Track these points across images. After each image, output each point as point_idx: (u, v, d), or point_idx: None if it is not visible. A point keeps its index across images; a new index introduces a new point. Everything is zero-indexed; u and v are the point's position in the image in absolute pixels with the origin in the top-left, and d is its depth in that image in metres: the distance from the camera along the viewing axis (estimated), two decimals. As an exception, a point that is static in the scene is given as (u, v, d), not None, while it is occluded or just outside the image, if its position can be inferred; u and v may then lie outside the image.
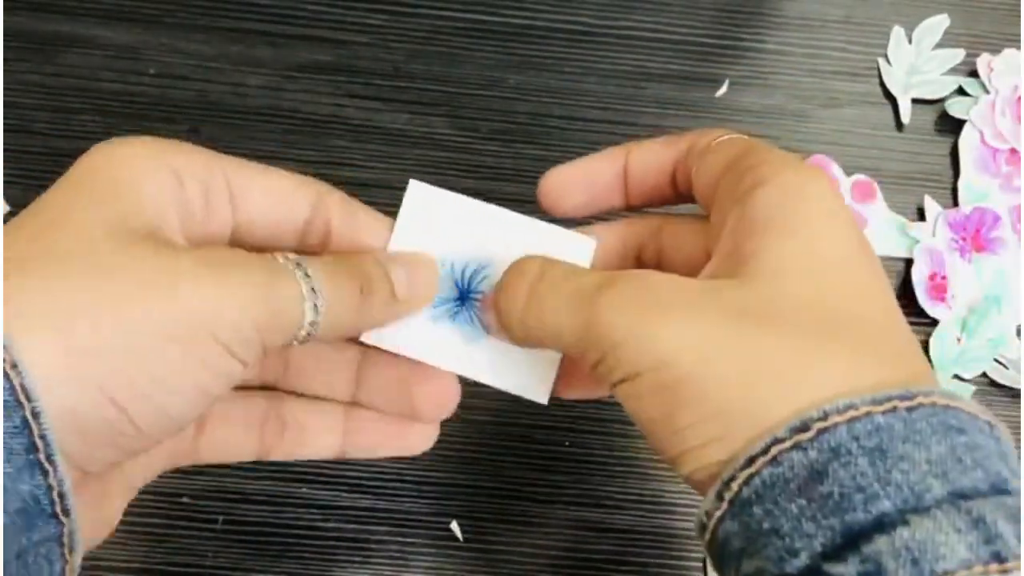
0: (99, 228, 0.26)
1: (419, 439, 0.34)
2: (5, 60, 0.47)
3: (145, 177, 0.28)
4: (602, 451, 0.44)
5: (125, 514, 0.42)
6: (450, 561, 0.42)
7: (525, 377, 0.32)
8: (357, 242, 0.32)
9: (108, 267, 0.25)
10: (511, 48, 0.50)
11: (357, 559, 0.42)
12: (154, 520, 0.42)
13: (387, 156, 0.47)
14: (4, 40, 0.47)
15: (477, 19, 0.50)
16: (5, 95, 0.47)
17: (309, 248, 0.32)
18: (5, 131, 0.46)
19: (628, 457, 0.44)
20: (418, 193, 0.32)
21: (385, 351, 0.32)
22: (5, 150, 0.46)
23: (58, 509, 0.24)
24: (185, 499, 0.42)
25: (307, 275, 0.28)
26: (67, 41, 0.48)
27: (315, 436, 0.34)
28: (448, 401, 0.33)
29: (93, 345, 0.24)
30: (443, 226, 0.32)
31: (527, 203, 0.48)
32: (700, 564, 0.43)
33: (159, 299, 0.25)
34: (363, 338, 0.32)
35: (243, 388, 0.34)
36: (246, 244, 0.31)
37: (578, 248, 0.32)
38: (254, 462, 0.43)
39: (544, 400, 0.31)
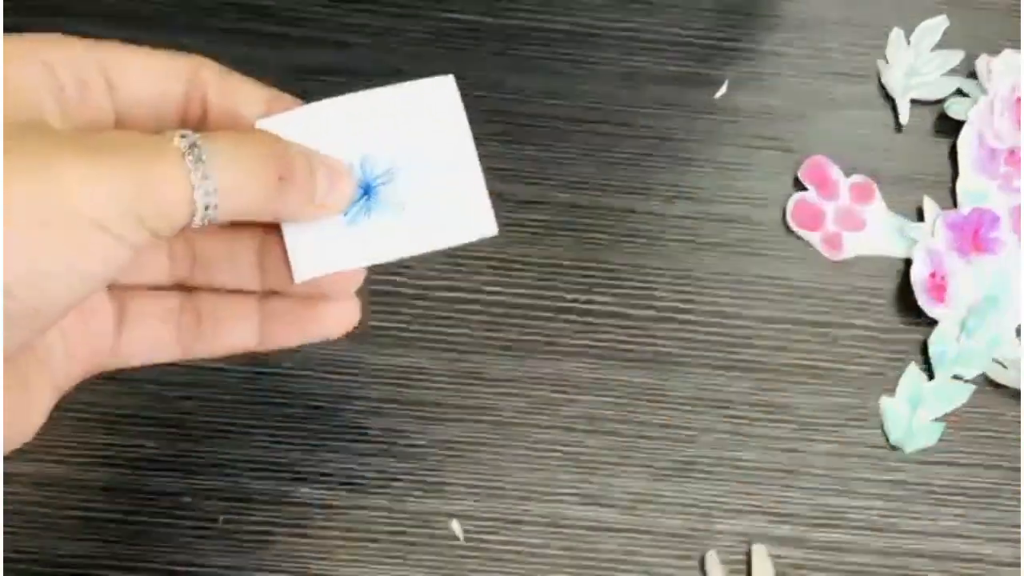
0: None
1: (338, 319, 0.33)
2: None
3: (14, 70, 0.28)
4: (603, 450, 0.44)
5: (126, 513, 0.42)
6: (451, 561, 0.42)
7: (462, 219, 0.31)
8: (234, 112, 0.31)
9: None
10: (511, 50, 0.50)
11: (358, 559, 0.42)
12: (154, 519, 0.42)
13: (387, 157, 0.47)
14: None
15: (477, 21, 0.50)
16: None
17: (190, 125, 0.31)
18: (6, 131, 0.46)
19: (628, 457, 0.44)
20: (271, 127, 0.31)
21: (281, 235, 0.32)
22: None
23: None
24: (186, 498, 0.42)
25: (200, 159, 0.27)
26: (68, 41, 0.48)
27: (230, 328, 0.33)
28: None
29: None
30: (312, 141, 0.31)
31: (526, 204, 0.48)
32: (699, 565, 0.43)
33: (28, 181, 0.25)
34: (295, 279, 0.31)
35: (157, 288, 0.34)
36: (133, 129, 0.30)
37: (442, 90, 0.32)
38: (254, 462, 0.43)
39: (494, 229, 0.31)
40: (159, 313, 0.33)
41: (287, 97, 0.32)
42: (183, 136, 0.28)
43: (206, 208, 0.27)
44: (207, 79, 0.31)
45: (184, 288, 0.34)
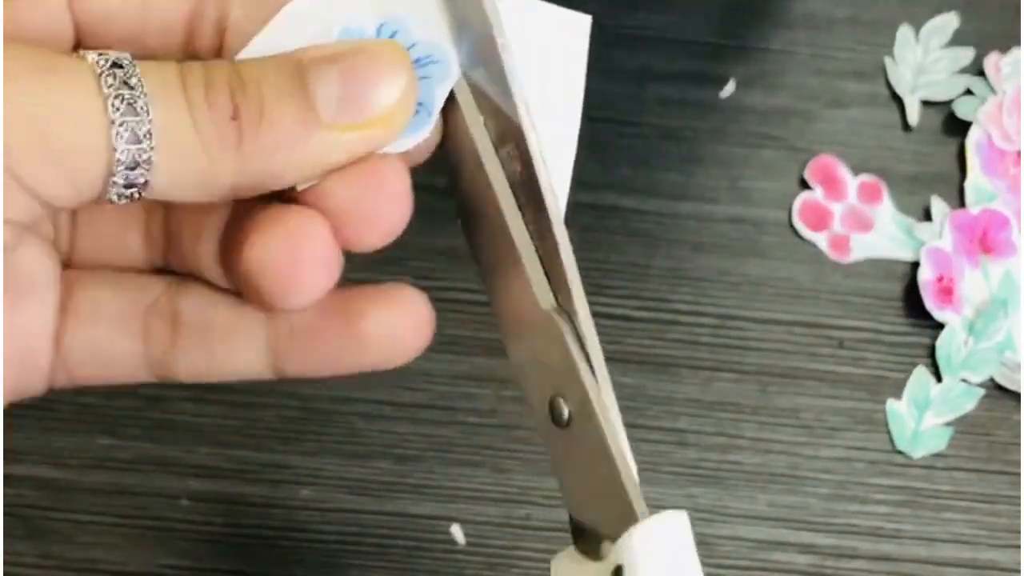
0: None
1: (396, 333, 0.24)
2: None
3: None
4: (605, 454, 0.44)
5: (123, 516, 0.42)
6: (451, 565, 0.42)
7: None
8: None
9: None
10: (515, 47, 0.49)
11: (357, 563, 0.42)
12: (152, 523, 0.42)
13: (389, 156, 0.47)
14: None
15: (480, 18, 0.49)
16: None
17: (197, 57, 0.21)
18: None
19: (631, 461, 0.44)
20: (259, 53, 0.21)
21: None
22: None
23: None
24: (184, 501, 0.42)
25: (127, 83, 0.18)
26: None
27: (226, 342, 0.22)
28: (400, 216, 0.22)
29: None
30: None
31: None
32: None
33: None
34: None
35: (132, 269, 0.23)
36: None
37: None
38: (252, 465, 0.43)
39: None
40: (117, 310, 0.22)
41: None
42: (102, 54, 0.18)
43: (133, 166, 0.18)
44: None
45: (168, 274, 0.23)
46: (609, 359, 0.45)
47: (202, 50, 0.22)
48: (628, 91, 0.49)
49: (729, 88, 0.49)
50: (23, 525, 0.42)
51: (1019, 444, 0.45)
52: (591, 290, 0.45)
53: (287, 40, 0.21)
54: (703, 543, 0.43)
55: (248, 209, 0.21)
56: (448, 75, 0.23)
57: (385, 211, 0.21)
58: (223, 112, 0.19)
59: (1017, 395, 0.45)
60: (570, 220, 0.46)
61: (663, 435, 0.44)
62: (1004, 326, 0.46)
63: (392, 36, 0.22)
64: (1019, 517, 0.44)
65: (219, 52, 0.22)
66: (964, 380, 0.45)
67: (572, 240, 0.46)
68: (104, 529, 0.42)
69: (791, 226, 0.47)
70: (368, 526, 0.42)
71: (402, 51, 0.21)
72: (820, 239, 0.47)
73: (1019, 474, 0.45)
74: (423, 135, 0.23)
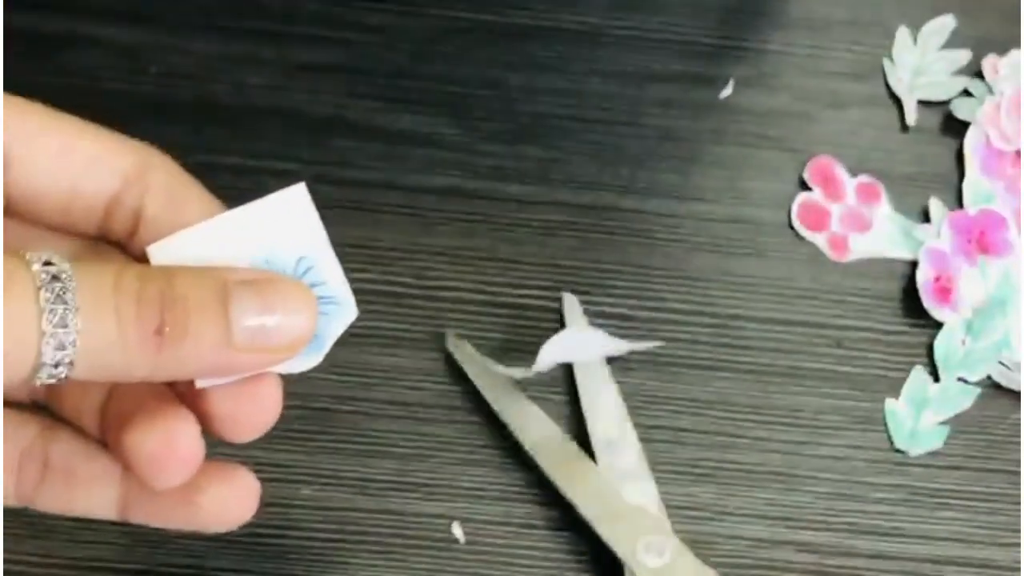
0: None
1: (223, 506, 0.27)
2: (4, 59, 0.47)
3: None
4: (605, 453, 0.44)
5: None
6: (452, 564, 0.42)
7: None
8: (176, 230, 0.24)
9: None
10: (514, 48, 0.49)
11: (357, 561, 0.42)
12: (153, 522, 0.42)
13: (390, 156, 0.47)
14: (4, 39, 0.47)
15: (481, 19, 0.50)
16: (6, 95, 0.47)
17: (114, 237, 0.25)
18: (5, 130, 0.46)
19: (631, 460, 0.44)
20: (161, 255, 0.24)
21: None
22: (5, 149, 0.46)
23: None
24: (185, 500, 0.42)
25: (62, 298, 0.20)
26: (67, 40, 0.48)
27: (85, 488, 0.26)
28: (268, 417, 0.26)
29: None
30: (226, 257, 0.25)
31: (529, 203, 0.48)
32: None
33: None
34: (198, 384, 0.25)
35: (15, 405, 0.26)
36: (29, 223, 0.24)
37: (295, 200, 0.26)
38: (252, 463, 0.43)
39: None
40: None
41: None
42: (47, 263, 0.21)
43: (56, 364, 0.21)
44: (153, 184, 0.25)
45: (48, 415, 0.27)
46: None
47: (118, 231, 0.25)
48: (627, 91, 0.49)
49: (728, 89, 0.49)
50: (24, 524, 0.41)
51: (1017, 442, 0.45)
52: (591, 290, 0.46)
53: (209, 246, 0.24)
54: (702, 542, 0.43)
55: (135, 386, 0.24)
56: (344, 316, 0.27)
57: (258, 418, 0.26)
58: (150, 326, 0.21)
59: (1015, 393, 0.45)
60: (570, 220, 0.47)
61: (663, 434, 0.44)
62: (1002, 326, 0.46)
63: (306, 271, 0.26)
64: (1017, 515, 0.44)
65: (133, 234, 0.25)
66: (962, 379, 0.45)
67: (572, 240, 0.46)
68: (104, 528, 0.42)
69: (790, 226, 0.47)
70: (368, 525, 0.42)
71: (310, 293, 0.25)
72: (819, 239, 0.47)
73: (1017, 472, 0.45)
74: (313, 363, 0.27)
